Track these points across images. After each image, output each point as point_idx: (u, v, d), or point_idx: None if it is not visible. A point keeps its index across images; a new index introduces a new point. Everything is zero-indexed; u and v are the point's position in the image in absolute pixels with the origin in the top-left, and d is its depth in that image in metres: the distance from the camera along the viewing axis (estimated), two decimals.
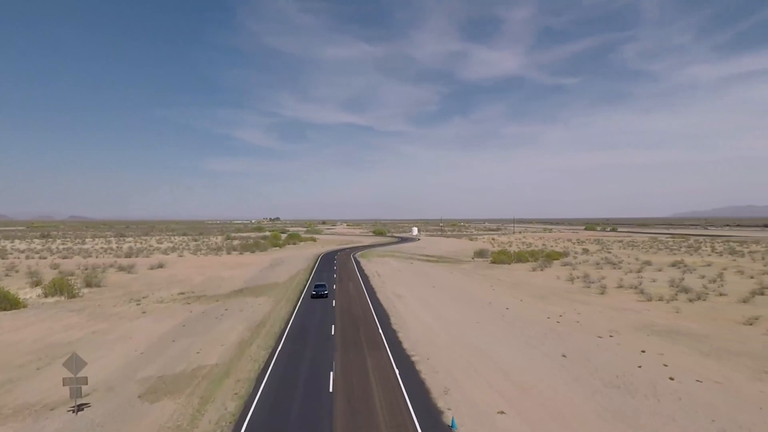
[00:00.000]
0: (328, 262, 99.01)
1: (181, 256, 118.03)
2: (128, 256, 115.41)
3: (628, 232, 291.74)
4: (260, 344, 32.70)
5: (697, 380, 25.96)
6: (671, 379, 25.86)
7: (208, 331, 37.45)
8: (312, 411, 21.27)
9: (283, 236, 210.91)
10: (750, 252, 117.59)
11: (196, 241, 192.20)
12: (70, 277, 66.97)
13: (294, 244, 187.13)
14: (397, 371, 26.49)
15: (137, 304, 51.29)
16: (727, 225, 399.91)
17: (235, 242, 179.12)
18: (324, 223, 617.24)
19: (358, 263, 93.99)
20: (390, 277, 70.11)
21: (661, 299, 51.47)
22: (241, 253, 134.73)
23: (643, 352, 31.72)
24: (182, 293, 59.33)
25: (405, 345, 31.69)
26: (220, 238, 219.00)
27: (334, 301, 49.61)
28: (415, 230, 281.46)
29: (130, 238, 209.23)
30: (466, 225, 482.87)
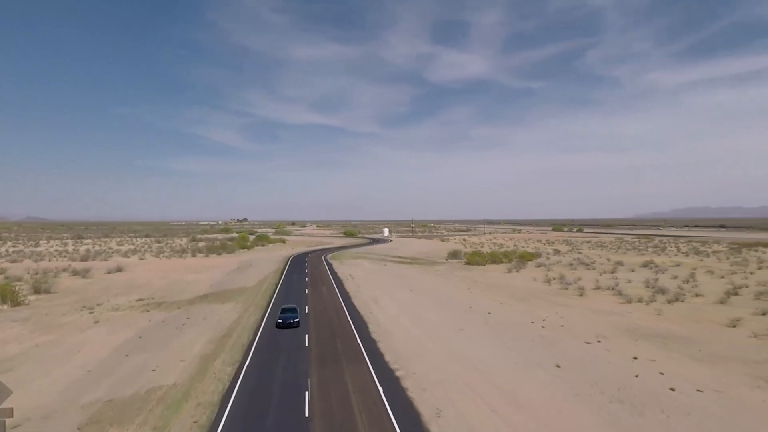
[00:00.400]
0: (299, 264, 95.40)
1: (142, 258, 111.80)
2: (85, 259, 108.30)
3: (593, 232, 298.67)
4: (226, 359, 29.35)
5: (698, 390, 24.51)
6: (672, 390, 24.29)
7: (167, 343, 33.78)
8: None
9: (252, 238, 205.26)
10: (713, 252, 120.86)
11: (159, 243, 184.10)
12: (16, 283, 61.34)
13: (262, 245, 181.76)
14: (380, 389, 23.81)
15: (90, 312, 46.81)
16: (686, 226, 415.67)
17: (201, 244, 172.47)
18: (293, 224, 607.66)
19: (330, 266, 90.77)
20: (364, 280, 67.36)
21: (640, 301, 50.85)
22: (206, 256, 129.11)
23: (635, 358, 30.28)
24: (141, 299, 54.92)
25: (387, 357, 28.92)
26: (185, 239, 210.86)
27: (307, 308, 46.10)
28: (386, 231, 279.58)
29: (89, 240, 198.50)
30: (437, 226, 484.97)
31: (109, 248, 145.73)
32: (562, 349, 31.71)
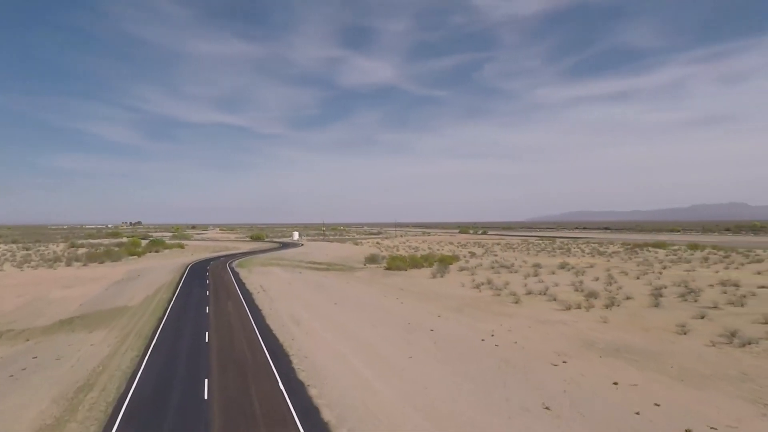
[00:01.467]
0: (198, 274, 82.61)
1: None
2: None
3: (497, 234, 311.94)
4: None
5: (712, 428, 20.05)
6: (689, 431, 19.51)
7: None
8: None
9: (144, 243, 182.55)
10: (613, 252, 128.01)
11: (27, 250, 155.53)
12: None
13: (157, 251, 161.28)
14: None
15: None
16: (577, 228, 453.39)
17: (81, 251, 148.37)
18: (194, 227, 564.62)
19: (236, 275, 79.32)
20: (279, 293, 57.75)
21: (579, 307, 48.10)
22: (85, 265, 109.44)
23: (616, 384, 25.69)
24: None
25: (326, 414, 20.45)
26: (62, 245, 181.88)
27: (207, 334, 35.79)
28: (296, 235, 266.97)
29: None
30: (347, 229, 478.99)
31: None
32: (536, 379, 26.16)
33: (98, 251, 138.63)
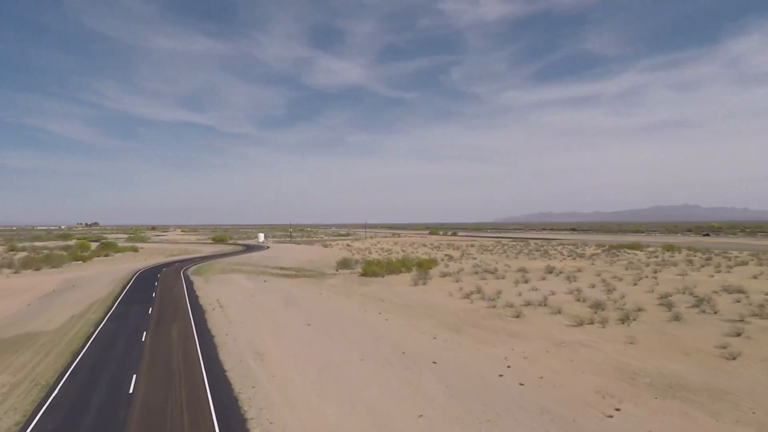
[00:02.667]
0: (145, 283, 71.98)
1: None
2: None
3: (468, 235, 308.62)
4: None
5: None
6: None
7: None
8: None
9: (95, 245, 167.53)
10: (592, 255, 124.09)
11: None
12: None
13: (106, 255, 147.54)
14: None
15: None
16: (543, 228, 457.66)
17: (20, 255, 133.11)
18: (154, 228, 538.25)
19: (190, 285, 69.03)
20: (240, 310, 48.19)
21: (591, 322, 41.49)
22: (17, 272, 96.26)
23: None
24: None
25: None
26: (0, 248, 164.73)
27: (134, 380, 26.04)
28: (261, 236, 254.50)
29: None
30: (315, 230, 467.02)
31: None
32: None
33: (37, 256, 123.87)
